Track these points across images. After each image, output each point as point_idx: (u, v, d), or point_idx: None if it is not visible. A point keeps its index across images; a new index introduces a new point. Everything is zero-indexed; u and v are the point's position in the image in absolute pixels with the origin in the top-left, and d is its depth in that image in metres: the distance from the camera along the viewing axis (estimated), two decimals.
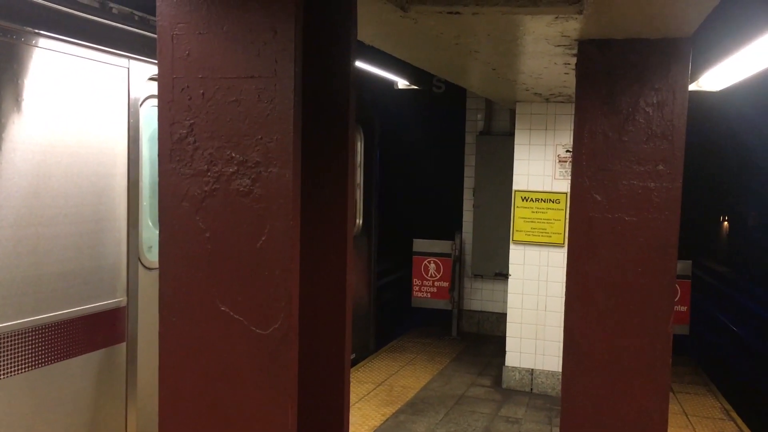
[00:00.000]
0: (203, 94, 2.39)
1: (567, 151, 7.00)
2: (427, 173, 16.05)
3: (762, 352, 11.80)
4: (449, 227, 10.10)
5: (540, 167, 7.20)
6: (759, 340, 12.31)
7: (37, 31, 3.66)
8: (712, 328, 13.64)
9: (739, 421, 6.62)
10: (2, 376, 3.54)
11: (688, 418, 6.65)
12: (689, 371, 8.28)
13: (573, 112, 3.65)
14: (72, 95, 3.92)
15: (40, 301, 3.75)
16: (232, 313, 2.42)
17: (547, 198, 7.19)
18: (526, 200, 7.25)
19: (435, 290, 9.63)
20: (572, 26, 3.31)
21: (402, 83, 7.94)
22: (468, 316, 10.00)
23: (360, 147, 8.32)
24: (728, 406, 7.03)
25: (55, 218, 3.83)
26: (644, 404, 3.51)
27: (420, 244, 9.73)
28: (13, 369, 3.59)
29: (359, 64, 6.13)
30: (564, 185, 7.04)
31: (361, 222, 8.40)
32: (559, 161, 7.12)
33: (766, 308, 13.75)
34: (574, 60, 4.05)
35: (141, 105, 4.47)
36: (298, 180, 2.40)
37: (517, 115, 7.33)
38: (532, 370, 7.37)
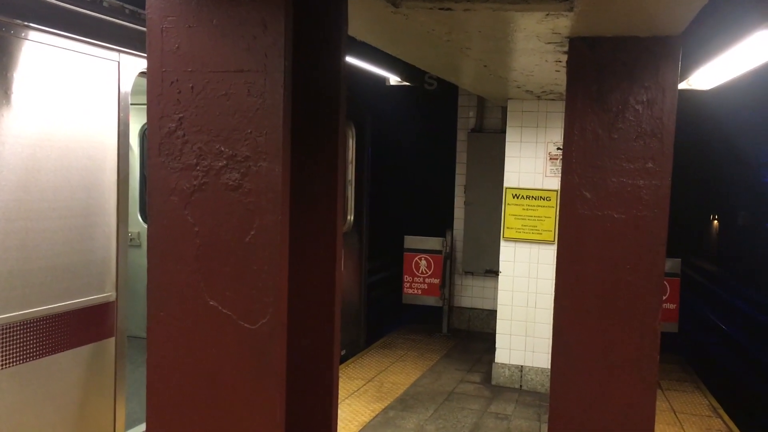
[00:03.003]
0: (192, 87, 2.38)
1: (558, 148, 7.02)
2: (418, 170, 16.05)
3: (750, 350, 11.88)
4: (440, 224, 10.12)
5: (531, 165, 7.22)
6: (747, 339, 12.39)
7: (27, 23, 3.64)
8: (700, 327, 13.71)
9: (726, 417, 6.66)
10: None
11: (676, 414, 6.68)
12: (677, 369, 8.33)
13: (564, 110, 3.66)
14: (62, 89, 3.90)
15: (28, 296, 3.73)
16: (220, 308, 2.42)
17: (538, 195, 7.21)
18: (517, 197, 7.26)
19: (426, 287, 9.65)
20: (563, 23, 3.32)
21: (394, 80, 7.93)
22: (458, 312, 10.02)
23: (351, 143, 8.31)
24: (716, 404, 7.07)
25: (44, 212, 3.81)
26: (632, 401, 3.52)
27: (411, 241, 9.75)
28: (0, 363, 3.57)
29: (350, 59, 6.12)
30: (555, 183, 7.05)
31: (352, 218, 8.39)
32: (550, 159, 7.14)
33: (755, 307, 13.83)
34: (565, 57, 4.06)
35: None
36: (287, 175, 2.40)
37: (508, 113, 7.35)
38: (522, 366, 7.39)
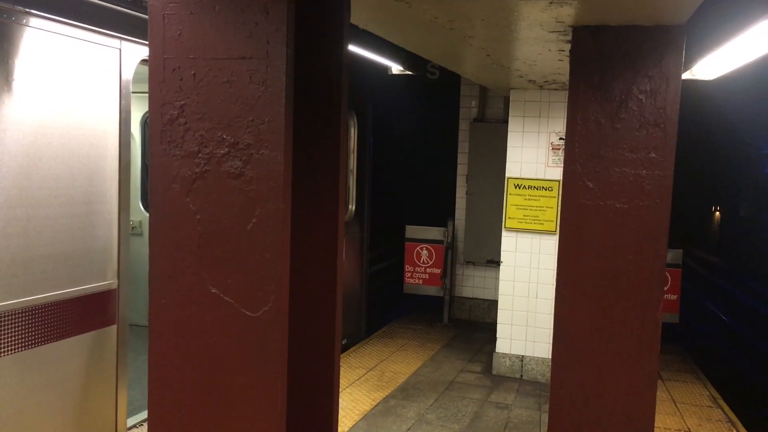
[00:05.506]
0: (194, 75, 2.37)
1: (560, 138, 7.00)
2: (420, 160, 16.02)
3: (750, 341, 11.89)
4: (442, 214, 10.11)
5: (533, 154, 7.20)
6: (748, 330, 12.40)
7: (28, 10, 3.63)
8: (701, 318, 13.71)
9: (726, 408, 6.68)
10: None
11: (676, 405, 6.70)
12: (678, 359, 8.34)
13: (567, 100, 3.64)
14: (63, 76, 3.90)
15: (30, 283, 3.74)
16: (221, 295, 2.42)
17: (540, 185, 7.19)
18: (519, 187, 7.25)
19: (427, 276, 9.65)
20: (566, 12, 3.30)
21: (396, 68, 7.89)
22: (459, 302, 10.03)
23: (353, 132, 8.29)
24: (716, 394, 7.08)
25: (45, 200, 3.81)
26: (632, 391, 3.52)
27: (413, 231, 9.75)
28: (2, 350, 3.58)
29: (353, 48, 6.10)
30: (557, 173, 7.04)
31: (353, 208, 8.39)
32: (552, 149, 7.12)
33: (756, 298, 13.84)
34: (568, 46, 4.05)
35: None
36: (289, 163, 2.39)
37: (510, 102, 7.32)
38: (523, 356, 7.40)
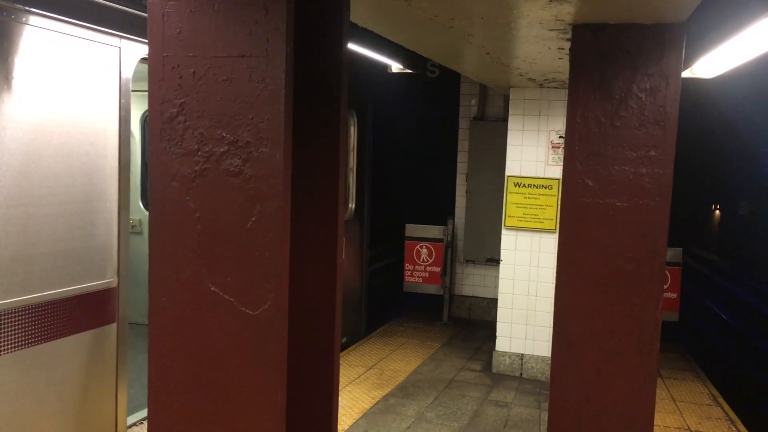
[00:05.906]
0: (194, 73, 2.37)
1: (560, 137, 7.00)
2: (420, 158, 16.02)
3: (750, 340, 11.89)
4: (442, 212, 10.11)
5: (533, 153, 7.20)
6: (747, 328, 12.40)
7: (27, 8, 3.62)
8: (701, 316, 13.72)
9: (726, 407, 6.68)
10: None
11: (675, 403, 6.70)
12: (678, 358, 8.34)
13: (566, 98, 3.64)
14: (63, 74, 3.89)
15: (29, 281, 3.74)
16: (221, 294, 2.42)
17: (540, 184, 7.19)
18: (519, 186, 7.25)
19: (427, 275, 9.65)
20: (566, 10, 3.30)
21: (396, 67, 7.89)
22: (459, 301, 10.03)
23: (353, 131, 8.29)
24: (716, 393, 7.08)
25: (45, 198, 3.80)
26: (632, 389, 3.53)
27: (412, 229, 9.75)
28: (1, 349, 3.58)
29: (352, 46, 6.09)
30: (557, 171, 7.04)
31: (353, 206, 8.39)
32: (552, 147, 7.12)
33: (755, 297, 13.84)
34: (568, 45, 4.04)
35: None
36: (288, 161, 2.39)
37: (510, 101, 7.32)
38: (522, 355, 7.40)
